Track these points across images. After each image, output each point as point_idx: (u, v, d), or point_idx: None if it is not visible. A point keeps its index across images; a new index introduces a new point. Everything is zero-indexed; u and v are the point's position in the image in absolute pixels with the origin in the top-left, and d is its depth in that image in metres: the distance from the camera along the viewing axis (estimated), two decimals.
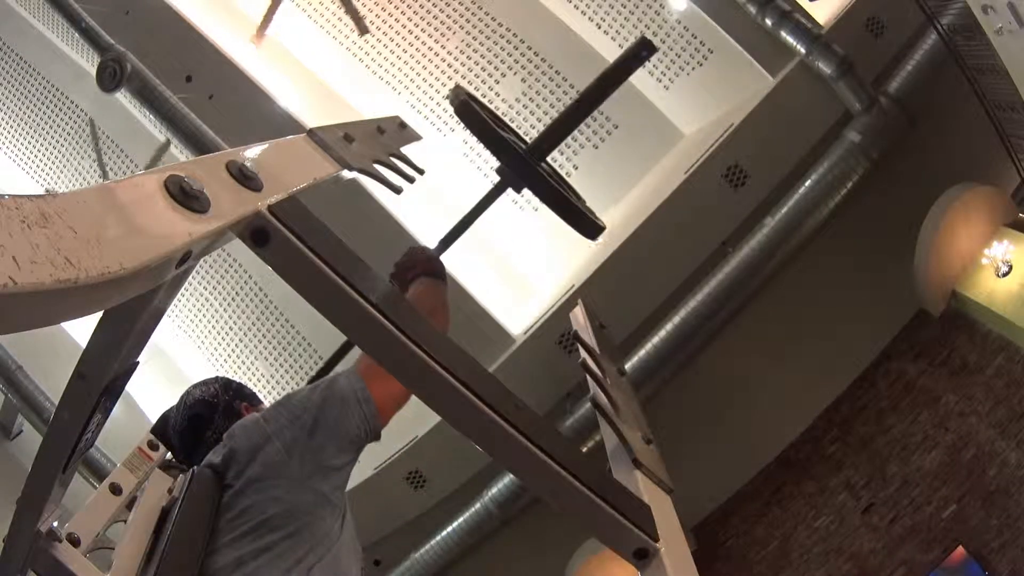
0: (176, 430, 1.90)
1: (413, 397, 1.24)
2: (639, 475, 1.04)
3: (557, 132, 1.97)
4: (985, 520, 6.44)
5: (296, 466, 1.42)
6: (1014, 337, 6.68)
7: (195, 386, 1.97)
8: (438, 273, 1.81)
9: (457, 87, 1.83)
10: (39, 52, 9.28)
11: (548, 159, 2.06)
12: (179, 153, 7.85)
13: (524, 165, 1.82)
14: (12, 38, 9.34)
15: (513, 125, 9.28)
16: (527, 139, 2.10)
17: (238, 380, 2.04)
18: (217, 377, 2.00)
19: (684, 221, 7.04)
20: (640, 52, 1.91)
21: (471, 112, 1.79)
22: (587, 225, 1.85)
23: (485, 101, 8.26)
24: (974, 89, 6.79)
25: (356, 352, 1.58)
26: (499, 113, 8.29)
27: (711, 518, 7.44)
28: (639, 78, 8.33)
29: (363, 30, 8.56)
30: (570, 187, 2.04)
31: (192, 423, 1.88)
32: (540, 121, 8.64)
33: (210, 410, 1.88)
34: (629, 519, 0.91)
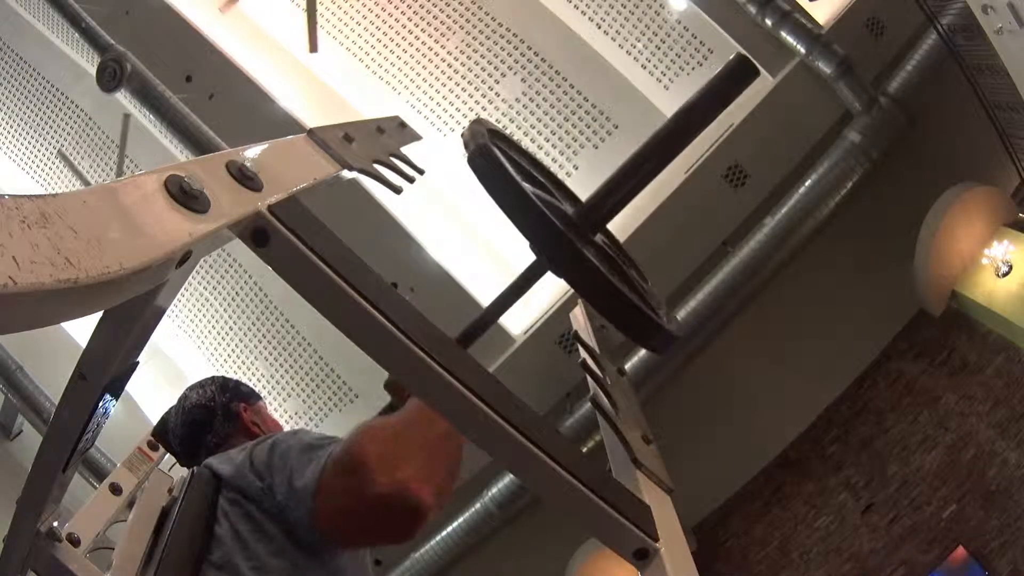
0: (175, 435, 1.88)
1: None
2: (639, 475, 1.04)
3: (620, 189, 1.26)
4: (985, 520, 6.44)
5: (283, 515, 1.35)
6: (1014, 337, 6.68)
7: (191, 388, 1.94)
8: None
9: (477, 121, 1.25)
10: (39, 52, 9.27)
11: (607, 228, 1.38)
12: (169, 144, 7.84)
13: (565, 246, 1.12)
14: (12, 38, 9.33)
15: (514, 125, 9.20)
16: (575, 194, 1.44)
17: (236, 379, 2.02)
18: (214, 377, 1.98)
19: (684, 221, 7.04)
20: (740, 74, 1.19)
21: (493, 167, 1.13)
22: (654, 335, 1.16)
23: (485, 101, 8.22)
24: (974, 89, 6.79)
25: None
26: (499, 113, 8.20)
27: (711, 518, 7.44)
28: (639, 78, 8.34)
29: (313, 48, 8.60)
30: (633, 264, 1.45)
31: (191, 429, 1.86)
32: (540, 121, 8.64)
33: (208, 415, 1.86)
34: (629, 519, 0.91)
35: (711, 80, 1.23)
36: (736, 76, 1.20)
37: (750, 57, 1.19)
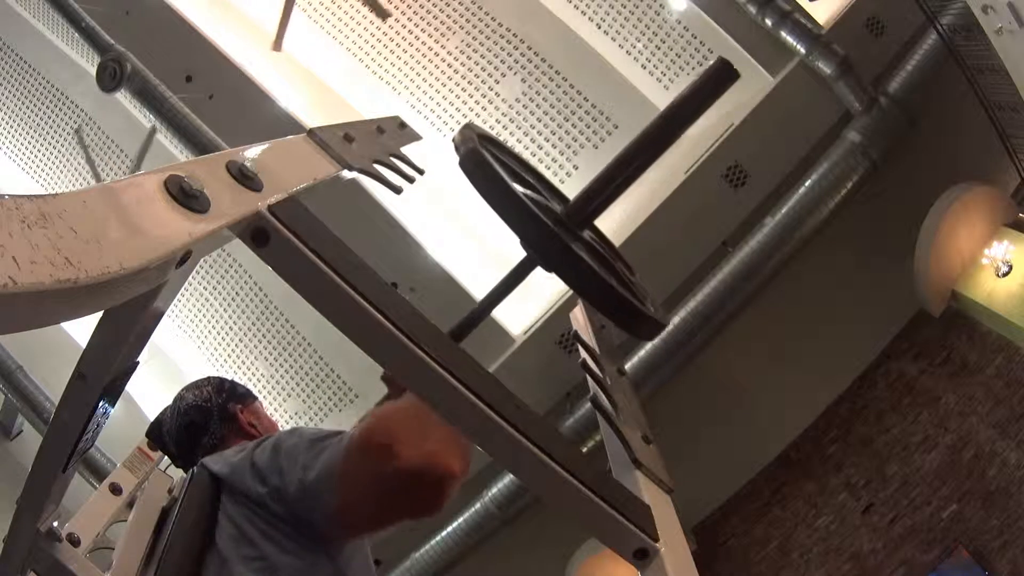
0: (171, 436, 1.87)
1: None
2: (639, 475, 1.04)
3: (606, 188, 1.34)
4: (985, 520, 6.44)
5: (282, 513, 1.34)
6: (1014, 337, 6.68)
7: (187, 389, 1.92)
8: None
9: (467, 126, 1.26)
10: (39, 52, 9.28)
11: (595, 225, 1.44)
12: (170, 146, 7.85)
13: (555, 240, 1.18)
14: (12, 38, 9.34)
15: (514, 125, 9.22)
16: (563, 194, 1.52)
17: (231, 379, 2.01)
18: (209, 378, 1.96)
19: (684, 221, 7.04)
20: (721, 77, 1.27)
21: (483, 169, 1.18)
22: (642, 323, 1.23)
23: (485, 101, 8.22)
24: (974, 89, 6.79)
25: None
26: (499, 113, 8.21)
27: (711, 518, 7.44)
28: (639, 78, 8.34)
29: (384, 15, 8.59)
30: (625, 264, 1.51)
31: (188, 430, 1.84)
32: (540, 121, 8.64)
33: (204, 415, 1.84)
34: (629, 519, 0.91)
35: (693, 83, 1.30)
36: (717, 80, 1.28)
37: (730, 62, 1.27)
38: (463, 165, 1.21)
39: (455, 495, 1.19)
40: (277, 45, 8.69)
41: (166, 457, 2.00)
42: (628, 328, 1.22)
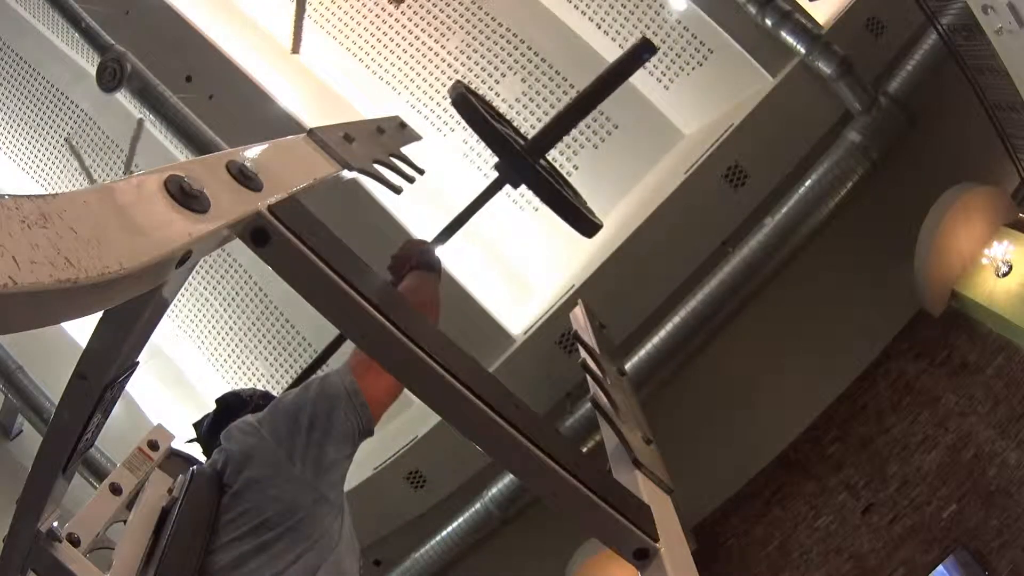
0: (208, 417, 1.96)
1: (413, 397, 1.24)
2: (639, 475, 1.04)
3: (556, 129, 1.94)
4: (985, 520, 6.44)
5: (292, 465, 1.42)
6: (1014, 337, 6.68)
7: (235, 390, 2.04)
8: (432, 265, 1.84)
9: (457, 82, 1.79)
10: (39, 52, 9.28)
11: (548, 158, 2.03)
12: (169, 145, 7.85)
13: (522, 161, 1.78)
14: (12, 38, 9.34)
15: (514, 125, 9.28)
16: (527, 136, 2.07)
17: (235, 382, 2.07)
18: (256, 389, 2.07)
19: (684, 221, 7.04)
20: (641, 53, 1.87)
21: (469, 105, 1.72)
22: (584, 223, 1.83)
23: None
24: (974, 89, 6.78)
25: (348, 347, 1.59)
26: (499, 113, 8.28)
27: (711, 518, 7.44)
28: (639, 78, 8.33)
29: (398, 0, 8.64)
30: (569, 185, 2.02)
31: (223, 407, 1.93)
32: (540, 121, 8.64)
33: (240, 401, 1.92)
34: (629, 519, 0.91)
35: (621, 55, 1.91)
36: (638, 53, 1.85)
37: (650, 40, 1.86)
38: (456, 105, 1.71)
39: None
40: (296, 48, 8.67)
41: (166, 457, 2.02)
42: (575, 226, 1.80)
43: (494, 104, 9.33)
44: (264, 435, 1.46)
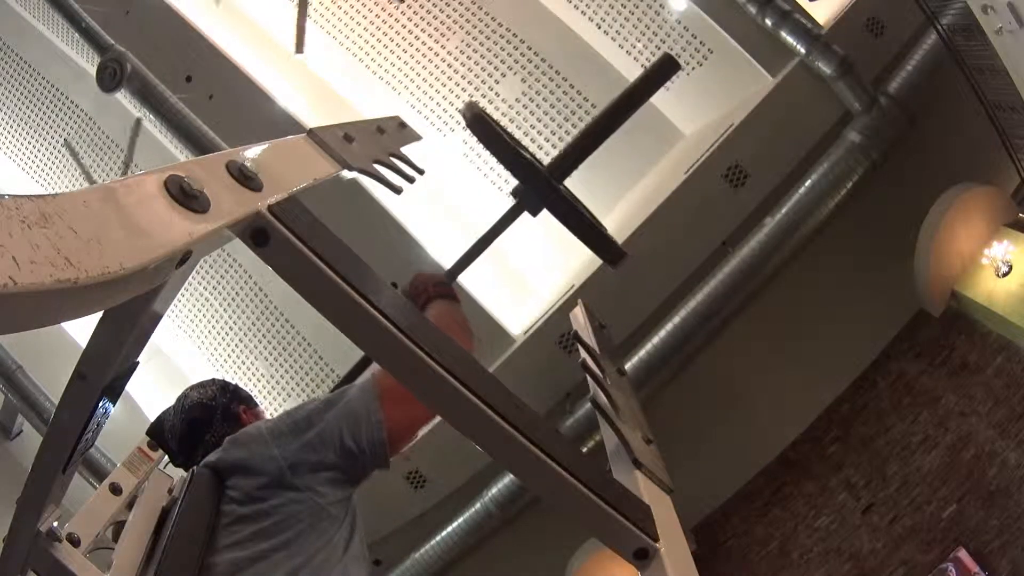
0: (174, 434, 1.88)
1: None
2: (639, 475, 1.04)
3: (577, 152, 1.85)
4: (985, 520, 6.44)
5: (295, 478, 1.41)
6: (1014, 337, 6.68)
7: (192, 388, 1.95)
8: (450, 295, 1.78)
9: (470, 103, 1.71)
10: (39, 52, 9.28)
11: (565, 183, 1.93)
12: (168, 144, 7.84)
13: (545, 186, 1.69)
14: (12, 38, 9.34)
15: (513, 125, 9.24)
16: (540, 160, 1.95)
17: (235, 382, 2.04)
18: (214, 379, 1.99)
19: (684, 221, 7.04)
20: (665, 69, 1.80)
21: (486, 126, 1.62)
22: (611, 251, 1.76)
23: (485, 101, 8.24)
24: (974, 89, 6.78)
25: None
26: (499, 113, 8.26)
27: (711, 518, 7.44)
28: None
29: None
30: (589, 211, 1.93)
31: (191, 426, 1.86)
32: (540, 121, 8.64)
33: (208, 413, 1.87)
34: (629, 519, 0.91)
35: (644, 72, 1.86)
36: (662, 71, 1.80)
37: (674, 56, 1.81)
38: (472, 126, 1.61)
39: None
40: (299, 48, 8.65)
41: (166, 457, 2.00)
42: (601, 253, 1.70)
43: (494, 105, 9.29)
44: (271, 447, 1.44)
